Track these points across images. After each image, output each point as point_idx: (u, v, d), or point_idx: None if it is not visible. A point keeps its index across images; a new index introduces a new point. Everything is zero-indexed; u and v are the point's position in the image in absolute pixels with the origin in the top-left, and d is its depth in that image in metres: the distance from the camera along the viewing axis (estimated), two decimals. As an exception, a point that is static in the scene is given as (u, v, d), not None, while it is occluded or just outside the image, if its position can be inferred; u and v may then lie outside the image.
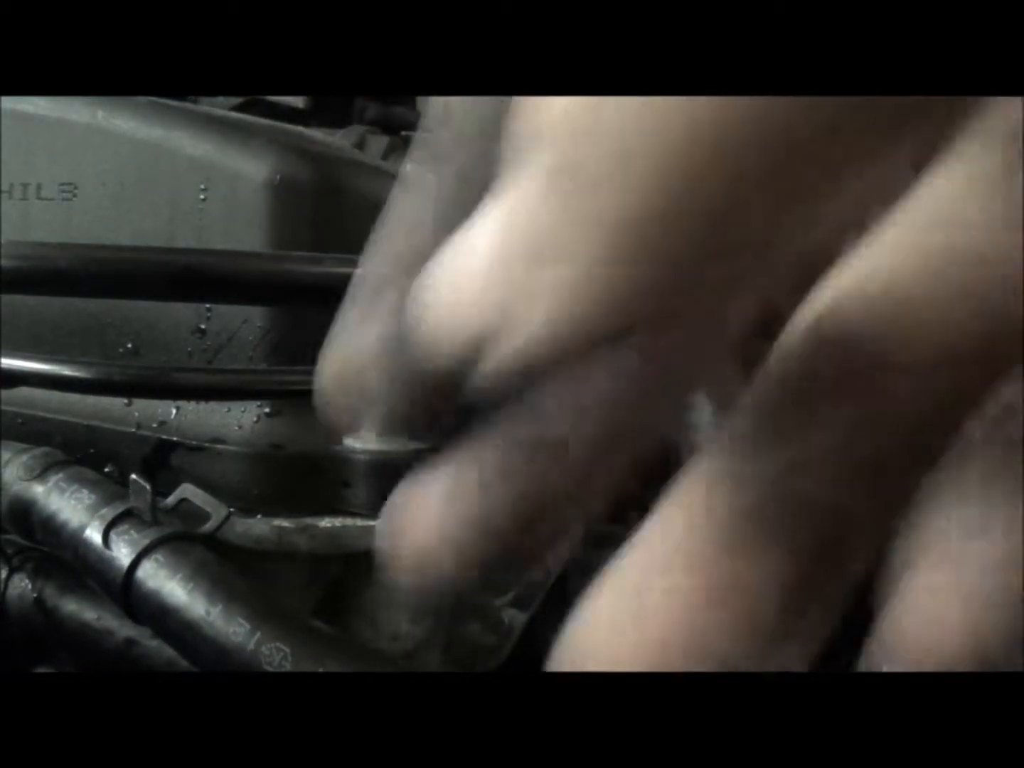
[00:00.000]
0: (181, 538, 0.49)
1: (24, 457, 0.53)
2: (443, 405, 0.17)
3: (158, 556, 0.47)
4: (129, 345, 0.59)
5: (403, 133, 0.75)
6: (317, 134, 0.68)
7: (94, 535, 0.48)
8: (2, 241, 0.45)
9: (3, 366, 0.47)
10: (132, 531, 0.48)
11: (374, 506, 0.54)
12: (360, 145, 0.71)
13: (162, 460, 0.56)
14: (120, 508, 0.49)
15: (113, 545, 0.48)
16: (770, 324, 0.18)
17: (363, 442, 0.20)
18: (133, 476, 0.50)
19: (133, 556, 0.47)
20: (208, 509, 0.52)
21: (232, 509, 0.52)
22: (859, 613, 0.15)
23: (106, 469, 0.56)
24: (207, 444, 0.56)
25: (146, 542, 0.47)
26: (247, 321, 0.57)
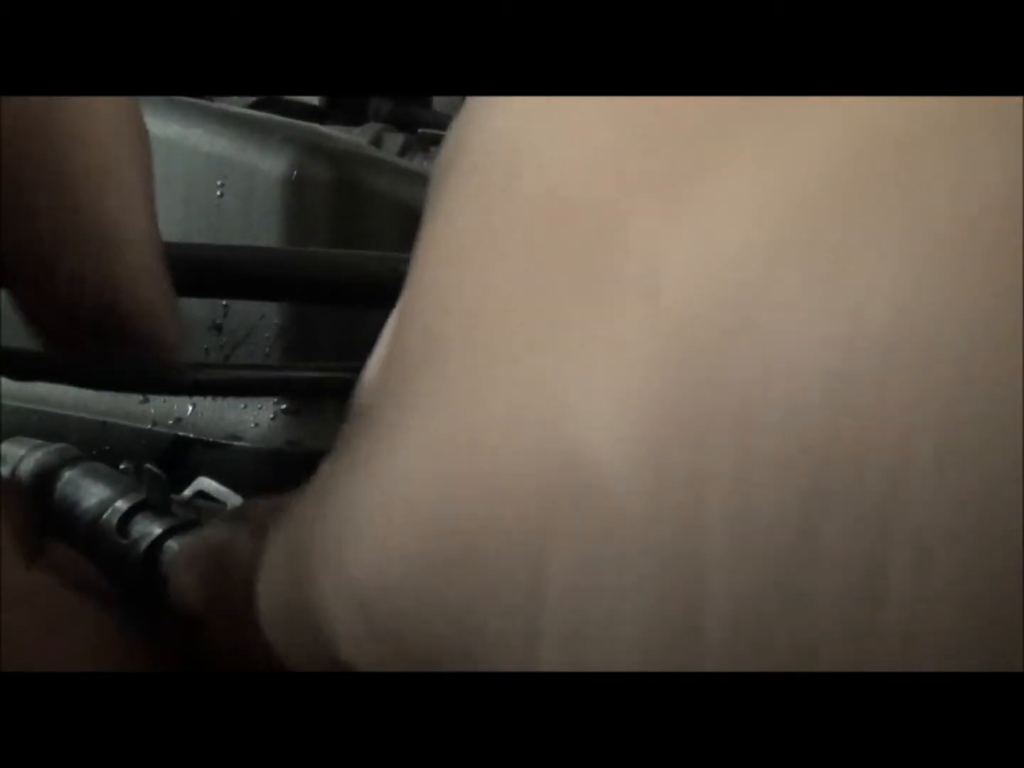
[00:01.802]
0: (197, 526, 0.49)
1: (39, 453, 0.53)
2: None
3: (173, 545, 0.47)
4: (145, 342, 0.59)
5: (419, 131, 0.75)
6: (333, 131, 0.68)
7: (109, 526, 0.48)
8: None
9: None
10: (147, 521, 0.48)
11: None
12: (376, 142, 0.71)
13: (178, 457, 0.56)
14: (135, 499, 0.49)
15: (128, 535, 0.48)
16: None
17: None
18: (147, 465, 0.50)
19: (148, 544, 0.47)
20: (223, 500, 0.52)
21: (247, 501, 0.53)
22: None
23: (121, 466, 0.56)
24: (223, 441, 0.56)
25: (159, 531, 0.47)
26: (264, 318, 0.57)
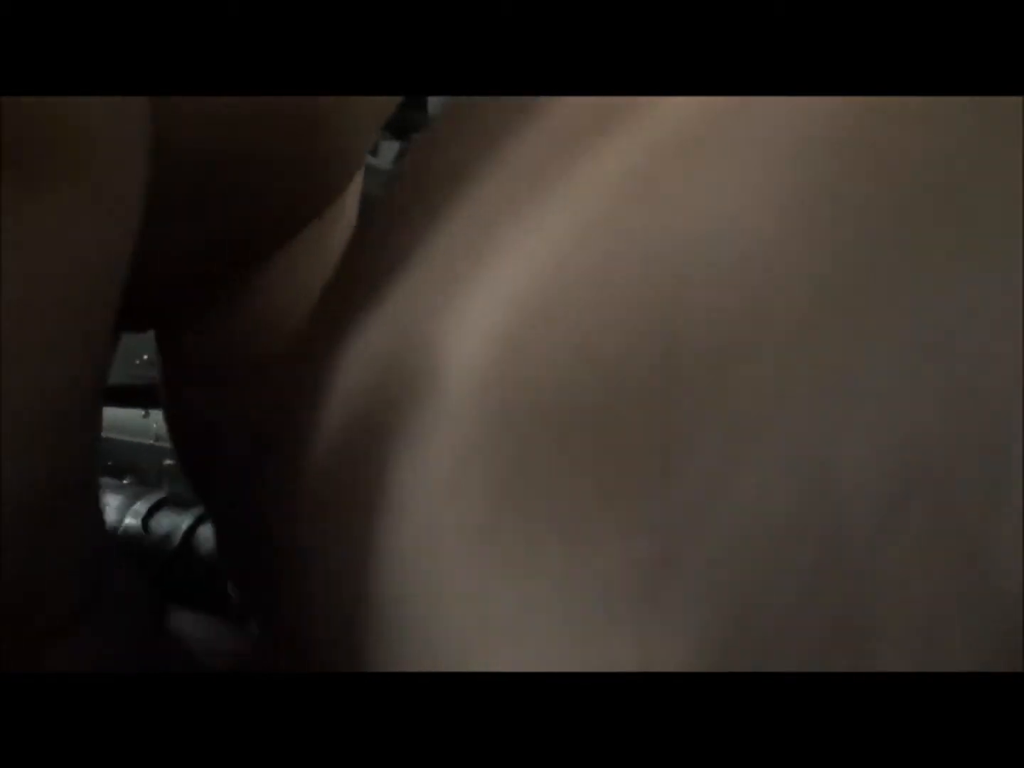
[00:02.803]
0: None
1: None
2: None
3: (206, 530, 0.47)
4: (145, 356, 0.59)
5: (414, 137, 0.75)
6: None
7: (134, 529, 0.48)
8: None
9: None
10: (173, 515, 0.48)
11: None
12: (372, 151, 0.71)
13: (180, 472, 0.56)
14: (155, 499, 0.49)
15: (154, 531, 0.47)
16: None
17: None
18: (167, 462, 0.50)
19: (183, 534, 0.47)
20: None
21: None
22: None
23: (124, 481, 0.56)
24: (226, 453, 0.56)
25: (190, 520, 0.47)
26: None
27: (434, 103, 0.82)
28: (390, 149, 0.71)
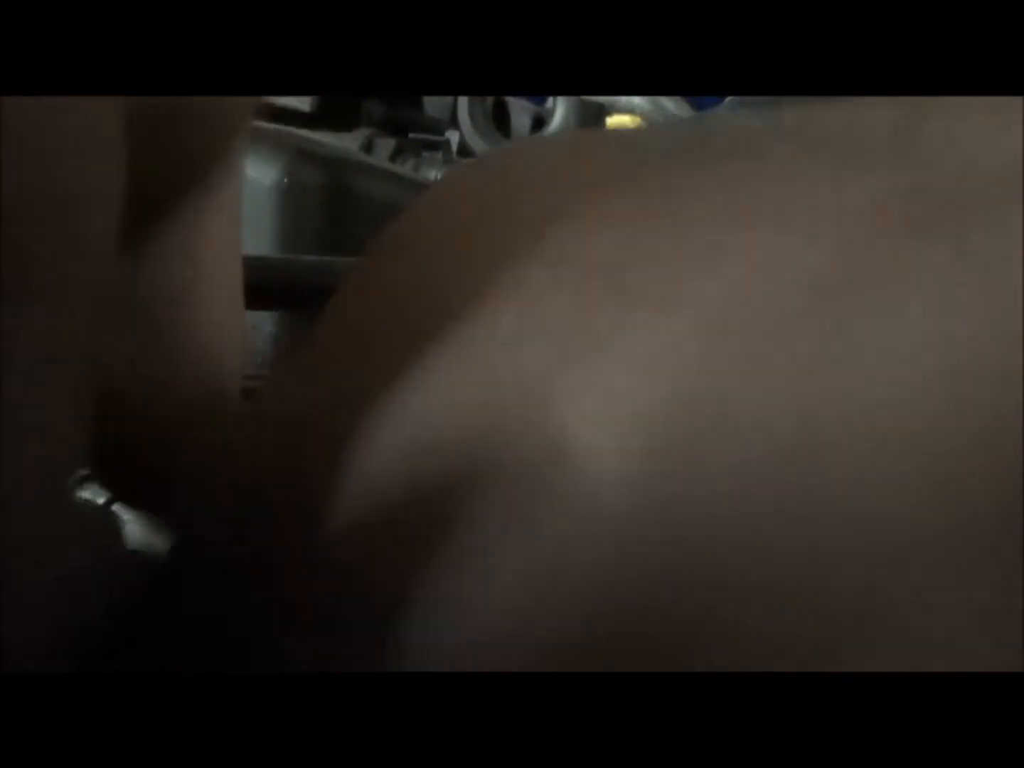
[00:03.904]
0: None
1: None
2: None
3: (119, 510, 0.47)
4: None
5: (411, 135, 0.75)
6: (324, 137, 0.68)
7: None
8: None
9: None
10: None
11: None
12: (368, 148, 0.71)
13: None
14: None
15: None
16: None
17: None
18: None
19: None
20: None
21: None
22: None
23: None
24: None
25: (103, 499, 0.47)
26: (256, 327, 0.57)
27: (430, 102, 0.82)
28: (385, 146, 0.71)
